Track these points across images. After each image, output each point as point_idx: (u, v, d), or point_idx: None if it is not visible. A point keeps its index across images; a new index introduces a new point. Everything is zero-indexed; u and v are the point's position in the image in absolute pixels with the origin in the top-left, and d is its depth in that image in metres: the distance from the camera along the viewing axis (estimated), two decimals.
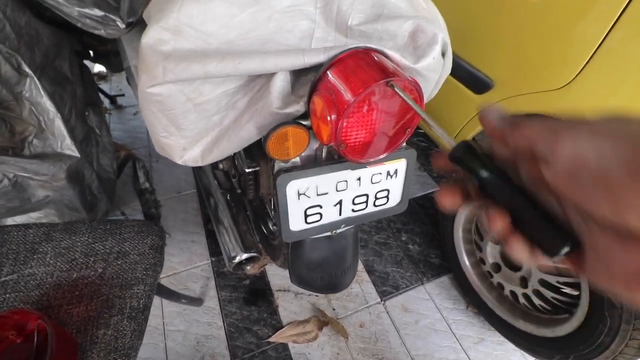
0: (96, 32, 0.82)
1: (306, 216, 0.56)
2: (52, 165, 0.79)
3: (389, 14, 0.50)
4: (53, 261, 0.61)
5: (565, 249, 0.20)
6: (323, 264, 0.69)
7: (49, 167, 0.78)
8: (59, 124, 0.83)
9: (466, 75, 0.92)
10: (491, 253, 1.02)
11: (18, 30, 0.82)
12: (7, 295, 0.58)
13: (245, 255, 0.92)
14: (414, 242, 1.32)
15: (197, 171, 1.20)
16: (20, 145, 0.79)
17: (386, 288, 1.19)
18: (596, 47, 0.64)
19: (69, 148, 0.84)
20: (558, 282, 0.85)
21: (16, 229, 0.66)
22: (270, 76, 0.51)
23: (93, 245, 0.64)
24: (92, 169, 1.01)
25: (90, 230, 0.66)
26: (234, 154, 1.04)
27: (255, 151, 0.92)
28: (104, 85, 1.91)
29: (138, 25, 0.86)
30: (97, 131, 1.15)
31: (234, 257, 0.92)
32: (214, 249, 1.27)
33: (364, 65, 0.40)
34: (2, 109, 0.76)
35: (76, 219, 1.00)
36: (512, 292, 0.98)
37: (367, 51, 0.43)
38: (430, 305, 1.16)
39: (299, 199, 0.54)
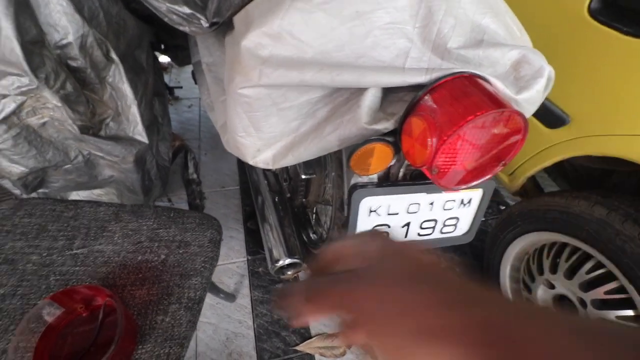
0: (180, 28, 0.86)
1: None
2: (124, 148, 0.83)
3: (490, 41, 0.48)
4: (121, 241, 0.64)
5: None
6: None
7: (121, 149, 0.83)
8: (134, 110, 0.87)
9: (540, 108, 0.88)
10: (542, 297, 0.96)
11: (109, 19, 0.87)
12: (77, 267, 0.60)
13: (288, 261, 0.93)
14: (454, 272, 1.27)
15: (249, 169, 1.22)
16: (98, 126, 0.84)
17: None
18: None
19: (140, 134, 0.88)
20: None
21: (88, 205, 0.70)
22: (357, 90, 0.51)
23: (157, 231, 0.66)
24: (153, 156, 1.06)
25: (155, 215, 0.68)
26: None
27: (314, 160, 0.93)
28: (164, 77, 2.00)
29: (219, 26, 0.90)
30: (159, 120, 1.20)
31: (277, 261, 0.93)
32: (251, 248, 1.28)
33: (473, 92, 0.39)
34: (88, 90, 0.81)
35: (132, 201, 1.04)
36: None
37: (472, 77, 0.42)
38: None
39: (369, 215, 0.53)
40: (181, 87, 1.92)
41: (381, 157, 0.47)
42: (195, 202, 1.38)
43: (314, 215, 1.16)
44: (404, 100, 0.47)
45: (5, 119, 0.70)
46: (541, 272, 0.94)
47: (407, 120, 0.43)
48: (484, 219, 1.46)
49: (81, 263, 0.61)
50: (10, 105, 0.69)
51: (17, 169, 0.76)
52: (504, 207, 1.45)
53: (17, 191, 0.87)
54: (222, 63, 0.94)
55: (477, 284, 0.24)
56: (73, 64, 0.76)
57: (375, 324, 0.21)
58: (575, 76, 0.80)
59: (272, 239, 0.97)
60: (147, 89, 1.05)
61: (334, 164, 0.78)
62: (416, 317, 0.20)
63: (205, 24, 0.86)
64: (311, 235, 1.14)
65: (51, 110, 0.73)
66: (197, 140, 1.67)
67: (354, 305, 0.22)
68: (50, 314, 0.52)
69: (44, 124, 0.75)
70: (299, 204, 1.14)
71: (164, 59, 1.98)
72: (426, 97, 0.41)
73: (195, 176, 1.44)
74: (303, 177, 0.88)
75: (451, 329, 0.19)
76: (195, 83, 1.38)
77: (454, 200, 0.55)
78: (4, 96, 0.68)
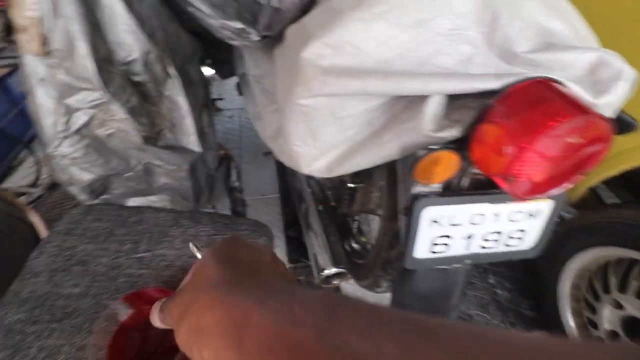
0: (231, 42, 0.90)
1: (433, 245, 0.54)
2: (180, 157, 0.87)
3: (559, 43, 0.46)
4: (181, 246, 0.66)
5: None
6: (430, 297, 0.65)
7: (177, 158, 0.87)
8: (188, 122, 0.91)
9: None
10: (608, 318, 0.88)
11: (167, 36, 0.93)
12: (142, 270, 0.63)
13: (334, 270, 0.92)
14: (503, 287, 1.21)
15: (291, 177, 1.24)
16: (155, 136, 0.89)
17: None
18: None
19: (194, 144, 0.92)
20: None
21: (149, 211, 0.74)
22: (416, 97, 0.50)
23: (215, 237, 0.68)
24: (203, 165, 1.10)
25: (212, 222, 0.71)
26: None
27: (363, 169, 0.92)
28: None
29: (267, 39, 0.93)
30: (206, 130, 1.25)
31: (324, 270, 0.93)
32: (292, 256, 1.29)
33: (552, 97, 0.37)
34: (148, 103, 0.86)
35: (184, 207, 1.09)
36: None
37: (548, 81, 0.40)
38: None
39: (430, 226, 0.52)
40: (222, 99, 2.00)
41: (447, 166, 0.46)
42: (238, 209, 1.42)
43: (355, 225, 1.15)
44: (469, 107, 0.45)
45: (78, 130, 0.76)
46: (607, 291, 0.87)
47: (478, 128, 0.41)
48: None
49: (146, 266, 0.64)
50: (82, 118, 0.75)
51: (86, 177, 0.82)
52: (559, 220, 1.37)
53: (82, 197, 0.93)
54: (270, 75, 0.97)
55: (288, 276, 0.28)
56: (136, 78, 0.81)
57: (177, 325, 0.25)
58: None
59: (318, 248, 0.97)
60: (197, 100, 1.11)
61: (383, 172, 0.77)
62: (196, 315, 0.23)
63: (255, 38, 0.89)
64: (353, 244, 1.13)
65: (118, 122, 0.78)
66: (238, 149, 1.73)
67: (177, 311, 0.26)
68: (123, 314, 0.55)
69: (110, 134, 0.81)
70: (341, 213, 1.14)
71: (207, 72, 2.08)
72: (499, 103, 0.40)
73: (237, 184, 1.49)
74: (350, 185, 0.88)
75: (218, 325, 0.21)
76: (240, 94, 1.43)
77: (521, 212, 0.52)
78: (78, 109, 0.74)
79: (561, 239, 0.96)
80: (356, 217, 1.13)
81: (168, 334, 0.55)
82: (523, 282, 1.22)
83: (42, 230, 1.11)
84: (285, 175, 1.47)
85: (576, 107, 0.35)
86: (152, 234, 0.68)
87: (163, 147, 0.88)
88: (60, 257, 0.67)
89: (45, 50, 0.70)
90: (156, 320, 0.31)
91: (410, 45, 0.48)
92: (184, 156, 0.89)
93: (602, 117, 0.36)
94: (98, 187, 0.89)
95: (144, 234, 0.69)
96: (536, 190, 0.41)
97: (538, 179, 0.40)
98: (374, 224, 1.01)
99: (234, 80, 1.58)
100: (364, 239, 1.12)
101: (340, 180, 1.01)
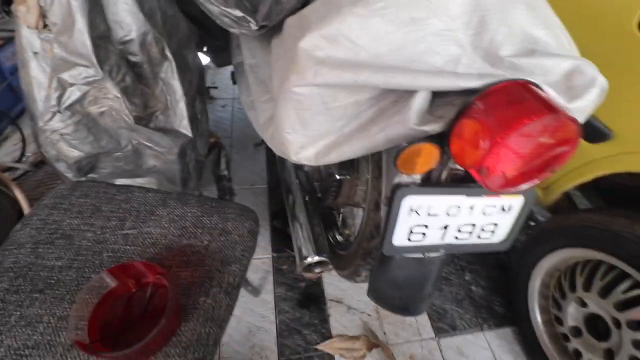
0: (230, 30, 0.91)
1: (410, 233, 0.57)
2: (171, 140, 0.88)
3: (542, 51, 0.50)
4: (167, 225, 0.68)
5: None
6: (406, 285, 0.68)
7: (168, 141, 0.88)
8: (182, 105, 0.92)
9: None
10: (573, 315, 0.93)
11: (165, 19, 0.93)
12: (127, 246, 0.65)
13: (317, 258, 0.95)
14: (478, 284, 1.26)
15: (280, 168, 1.26)
16: (148, 118, 0.89)
17: (442, 325, 1.14)
18: None
19: (185, 128, 0.93)
20: None
21: (138, 190, 0.74)
22: (404, 93, 0.53)
23: (201, 218, 0.69)
24: (192, 150, 1.11)
25: (199, 204, 0.72)
26: None
27: (348, 162, 0.95)
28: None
29: (267, 29, 0.94)
30: (199, 116, 1.26)
31: (306, 258, 0.95)
32: (276, 246, 1.31)
33: (528, 97, 0.40)
34: (143, 84, 0.86)
35: (171, 190, 1.09)
36: None
37: (526, 84, 0.43)
38: (487, 355, 1.09)
39: (409, 215, 0.55)
40: (216, 88, 2.00)
41: (428, 157, 0.49)
42: (225, 198, 1.43)
43: (340, 217, 1.17)
44: (453, 104, 0.48)
45: (70, 106, 0.76)
46: (573, 290, 0.92)
47: (457, 123, 0.44)
48: None
49: (131, 243, 0.65)
50: (76, 94, 0.75)
51: (75, 153, 0.82)
52: (533, 224, 1.42)
53: (69, 174, 0.93)
54: (265, 64, 0.99)
55: None
56: (133, 59, 0.81)
57: None
58: (621, 92, 0.79)
59: (302, 237, 1.00)
60: (191, 86, 1.11)
61: (370, 166, 0.80)
62: None
63: (254, 27, 0.90)
64: (337, 236, 1.16)
65: (111, 101, 0.78)
66: (229, 138, 1.73)
67: None
68: (105, 287, 0.56)
69: (102, 112, 0.81)
70: (326, 205, 1.16)
71: (203, 60, 2.07)
72: (479, 101, 0.43)
73: (226, 173, 1.49)
74: (337, 177, 0.90)
75: None
76: (234, 83, 1.44)
77: (494, 206, 0.55)
78: (71, 85, 0.74)
79: (535, 239, 1.01)
80: (342, 210, 1.16)
81: (151, 301, 0.57)
82: (497, 281, 1.27)
83: (26, 206, 1.09)
84: (275, 166, 1.48)
85: (549, 108, 0.38)
86: (139, 212, 0.69)
87: (154, 129, 0.89)
88: (45, 230, 0.67)
89: (43, 23, 0.70)
90: None
91: (403, 42, 0.51)
92: (174, 139, 0.89)
93: (571, 119, 0.39)
94: (85, 165, 0.89)
95: (131, 212, 0.69)
96: (507, 184, 0.44)
97: (510, 173, 0.43)
98: (358, 218, 1.03)
99: (228, 69, 1.58)
100: (347, 232, 1.15)
101: (328, 173, 1.04)
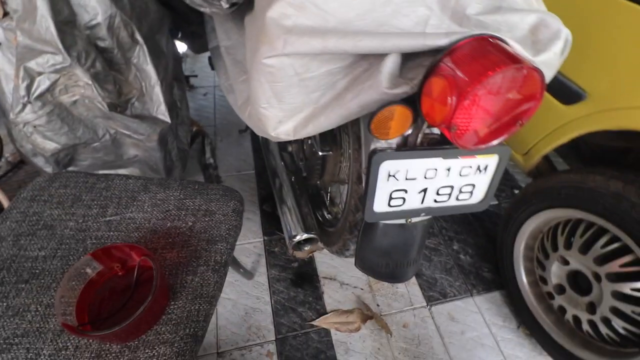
0: (201, 9, 0.89)
1: (390, 199, 0.58)
2: (149, 127, 0.87)
3: (508, 7, 0.50)
4: (150, 209, 0.67)
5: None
6: (391, 251, 0.69)
7: (146, 127, 0.86)
8: (157, 91, 0.90)
9: (553, 83, 0.88)
10: (556, 273, 0.97)
11: (133, 2, 0.90)
12: (111, 232, 0.64)
13: (305, 235, 0.96)
14: (466, 253, 1.29)
15: (265, 152, 1.25)
16: (124, 105, 0.87)
17: (433, 294, 1.17)
18: None
19: (163, 114, 0.92)
20: (633, 311, 0.79)
21: (118, 178, 0.74)
22: (376, 59, 0.52)
23: (184, 201, 0.69)
24: (174, 138, 1.10)
25: (181, 187, 0.72)
26: (306, 138, 1.07)
27: (330, 138, 0.95)
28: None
29: (237, 7, 0.92)
30: (178, 104, 1.24)
31: (295, 236, 0.96)
32: (267, 229, 1.32)
33: (490, 51, 0.40)
34: (115, 70, 0.84)
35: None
36: (575, 317, 0.93)
37: (489, 38, 0.43)
38: (478, 318, 1.13)
39: (388, 180, 0.55)
40: (196, 76, 1.96)
41: (401, 120, 0.49)
42: None
43: (328, 196, 1.18)
44: (423, 66, 0.48)
45: (40, 96, 0.74)
46: (555, 249, 0.95)
47: (427, 82, 0.44)
48: (497, 202, 1.47)
49: (115, 229, 0.65)
50: (45, 83, 0.73)
51: (51, 145, 0.80)
52: (517, 191, 1.45)
53: (48, 169, 0.91)
54: (241, 45, 0.97)
55: None
56: (101, 44, 0.79)
57: None
58: (592, 51, 0.80)
59: (289, 217, 1.00)
60: (167, 72, 1.09)
61: (351, 139, 0.80)
62: None
63: (225, 5, 0.88)
64: (326, 215, 1.17)
65: (82, 88, 0.76)
66: (212, 126, 1.71)
67: None
68: (90, 271, 0.56)
69: (75, 102, 0.79)
70: (313, 184, 1.17)
71: (180, 47, 2.02)
72: (446, 59, 0.43)
73: (212, 160, 1.48)
74: (320, 154, 0.91)
75: None
76: (212, 69, 1.41)
77: (470, 167, 0.56)
78: (40, 74, 0.72)
79: (517, 204, 1.03)
80: (329, 190, 1.17)
81: (136, 289, 0.57)
82: (485, 248, 1.30)
83: (7, 204, 1.07)
84: (261, 151, 1.48)
85: (512, 59, 0.39)
86: (121, 199, 0.69)
87: (131, 117, 0.87)
88: (26, 222, 0.67)
89: (3, 11, 0.67)
90: None
91: (371, 5, 0.50)
92: (152, 126, 0.88)
93: (535, 69, 0.39)
94: (64, 158, 0.87)
95: (112, 199, 0.69)
96: (479, 141, 0.45)
97: (480, 130, 0.43)
98: (345, 195, 1.04)
99: (207, 57, 1.55)
100: (335, 210, 1.16)
101: (312, 151, 1.04)
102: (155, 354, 0.51)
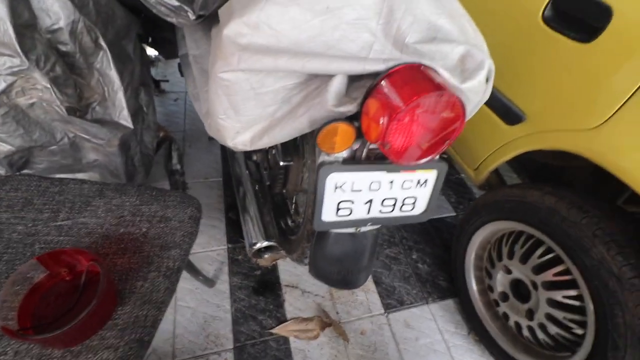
0: (168, 19, 0.91)
1: (338, 209, 0.61)
2: (109, 132, 0.87)
3: (443, 37, 0.55)
4: (104, 215, 0.68)
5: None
6: (342, 259, 0.73)
7: (106, 132, 0.86)
8: (120, 96, 0.91)
9: (499, 105, 0.96)
10: (500, 281, 1.03)
11: (98, 8, 0.91)
12: (61, 237, 0.64)
13: (265, 243, 0.98)
14: (424, 262, 1.35)
15: (231, 160, 1.27)
16: (84, 109, 0.87)
17: (391, 301, 1.21)
18: (635, 89, 0.68)
19: (125, 119, 0.92)
20: (565, 317, 0.86)
21: (73, 182, 0.73)
22: (327, 78, 0.57)
23: (140, 207, 0.70)
24: (137, 143, 1.09)
25: (138, 193, 0.72)
26: (270, 147, 1.10)
27: (292, 148, 0.98)
28: (151, 70, 2.03)
29: (204, 18, 0.94)
30: (144, 109, 1.23)
31: (255, 244, 0.98)
32: (231, 237, 1.32)
33: (419, 78, 0.45)
34: (76, 75, 0.84)
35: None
36: (517, 324, 1.00)
37: (421, 66, 0.48)
38: (432, 325, 1.18)
39: (335, 191, 0.59)
40: (167, 81, 1.95)
41: (344, 136, 0.53)
42: (178, 192, 1.41)
43: (293, 205, 1.21)
44: (365, 87, 0.53)
45: None
46: (500, 259, 1.02)
47: (365, 102, 0.49)
48: (454, 214, 1.55)
49: (65, 233, 0.64)
50: (1, 84, 0.72)
51: (4, 147, 0.79)
52: (469, 201, 1.54)
53: (1, 171, 0.89)
54: (208, 55, 0.99)
55: None
56: (63, 48, 0.79)
57: None
58: (530, 76, 0.88)
59: (251, 225, 1.02)
60: (133, 77, 1.09)
61: (308, 150, 0.84)
62: None
63: (192, 16, 0.91)
64: (289, 223, 1.19)
65: (40, 92, 0.76)
66: (182, 132, 1.71)
67: None
68: (35, 275, 0.55)
69: (32, 104, 0.78)
70: (279, 193, 1.19)
71: (151, 52, 2.01)
72: (382, 82, 0.48)
73: (178, 167, 1.48)
74: (281, 164, 0.94)
75: None
76: (182, 75, 1.42)
77: (411, 181, 0.61)
78: None
79: (469, 216, 1.10)
80: (294, 198, 1.20)
81: (83, 294, 0.57)
82: (441, 258, 1.36)
83: None
84: (227, 159, 1.49)
85: (436, 86, 0.44)
86: (74, 204, 0.69)
87: (92, 121, 0.87)
88: None
89: None
90: None
91: (320, 30, 0.54)
92: (113, 131, 0.88)
93: (455, 96, 0.44)
94: (18, 160, 0.85)
95: (65, 204, 0.69)
96: (410, 158, 0.49)
97: (409, 147, 0.48)
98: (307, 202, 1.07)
99: (178, 63, 1.55)
100: (299, 218, 1.19)
101: (276, 161, 1.06)
102: (98, 358, 0.51)
